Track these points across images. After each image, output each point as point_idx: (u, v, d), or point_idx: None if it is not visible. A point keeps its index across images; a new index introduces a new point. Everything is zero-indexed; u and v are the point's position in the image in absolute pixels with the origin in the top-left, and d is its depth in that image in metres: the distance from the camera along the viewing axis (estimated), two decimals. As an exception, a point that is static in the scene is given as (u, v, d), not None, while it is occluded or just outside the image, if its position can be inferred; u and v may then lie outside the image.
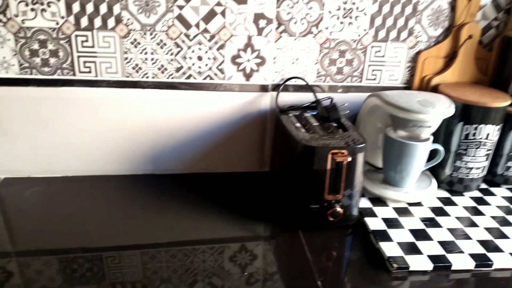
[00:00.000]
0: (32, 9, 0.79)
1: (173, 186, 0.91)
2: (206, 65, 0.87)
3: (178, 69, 0.87)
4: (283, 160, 0.85)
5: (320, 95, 0.90)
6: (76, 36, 0.82)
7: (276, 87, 0.91)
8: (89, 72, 0.85)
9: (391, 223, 0.78)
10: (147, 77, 0.86)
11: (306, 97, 0.92)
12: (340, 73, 0.93)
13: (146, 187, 0.90)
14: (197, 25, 0.84)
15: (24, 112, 0.85)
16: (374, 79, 0.94)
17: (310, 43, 0.89)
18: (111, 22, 0.82)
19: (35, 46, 0.81)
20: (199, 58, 0.87)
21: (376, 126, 0.90)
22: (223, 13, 0.84)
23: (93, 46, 0.83)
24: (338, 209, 0.74)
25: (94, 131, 0.89)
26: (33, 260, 0.68)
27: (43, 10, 0.79)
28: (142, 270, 0.67)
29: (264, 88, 0.91)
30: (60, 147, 0.89)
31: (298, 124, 0.82)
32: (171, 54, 0.85)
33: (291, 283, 0.66)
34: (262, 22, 0.85)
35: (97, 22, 0.81)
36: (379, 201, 0.85)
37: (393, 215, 0.81)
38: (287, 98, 0.92)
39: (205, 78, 0.88)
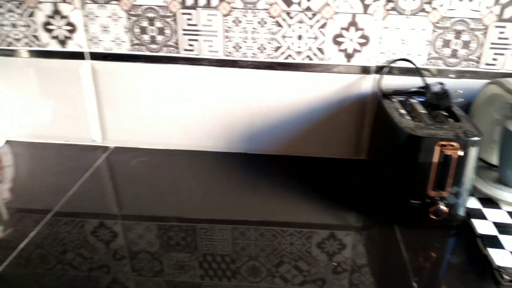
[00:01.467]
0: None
1: (266, 167, 0.91)
2: (306, 44, 0.84)
3: (277, 49, 0.85)
4: (383, 149, 0.80)
5: (429, 80, 0.82)
6: (182, 14, 0.84)
7: (379, 69, 0.85)
8: (192, 50, 0.87)
9: (504, 228, 0.69)
10: (246, 57, 0.86)
11: (412, 82, 0.84)
12: (454, 56, 0.83)
13: (240, 166, 0.92)
14: (299, 3, 0.81)
15: (134, 86, 0.91)
16: (495, 65, 0.83)
17: (421, 22, 0.81)
18: (214, 1, 0.82)
19: (144, 23, 0.86)
20: (299, 37, 0.84)
21: (493, 118, 0.79)
22: (327, -10, 0.80)
23: (196, 24, 0.85)
24: (442, 207, 0.68)
25: (195, 107, 0.92)
26: (136, 225, 0.73)
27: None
28: (231, 245, 0.69)
29: (365, 70, 0.85)
30: (164, 121, 0.94)
31: (402, 111, 0.75)
32: (271, 33, 0.84)
33: (381, 278, 0.62)
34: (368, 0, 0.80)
35: (202, 0, 0.83)
36: (490, 202, 0.75)
37: (507, 219, 0.71)
38: (391, 81, 0.85)
39: (304, 59, 0.85)
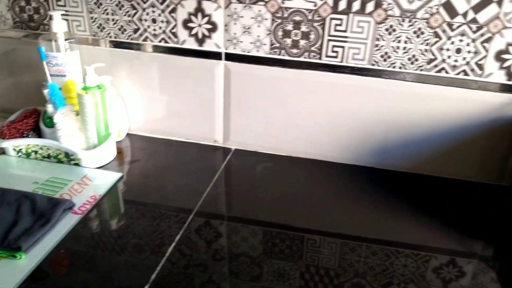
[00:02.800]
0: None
1: (392, 184, 0.86)
2: (464, 58, 0.78)
3: (430, 61, 0.79)
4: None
5: None
6: (331, 19, 0.80)
7: (544, 92, 0.77)
8: (335, 57, 0.83)
9: None
10: (394, 67, 0.81)
11: None
12: None
13: (365, 180, 0.87)
14: (465, 14, 0.75)
15: (264, 90, 0.88)
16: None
17: None
18: (370, 6, 0.78)
19: (289, 27, 0.82)
20: (458, 51, 0.77)
21: None
22: (499, 3, 0.73)
23: (345, 31, 0.80)
24: None
25: (326, 116, 0.88)
26: (242, 227, 0.72)
27: (304, -9, 0.79)
28: (338, 259, 0.66)
29: (527, 91, 0.78)
30: (290, 127, 0.91)
31: None
32: (427, 44, 0.78)
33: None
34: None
35: (356, 5, 0.78)
36: None
37: None
38: (557, 105, 0.77)
39: (458, 73, 0.79)
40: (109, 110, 0.85)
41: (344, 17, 0.79)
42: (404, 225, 0.75)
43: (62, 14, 0.86)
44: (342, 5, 0.78)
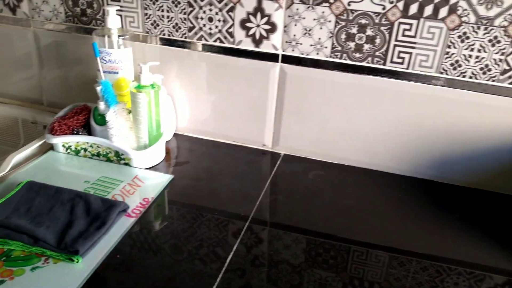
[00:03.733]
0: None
1: (451, 198, 0.82)
2: (543, 71, 0.73)
3: (504, 72, 0.75)
4: None
5: None
6: (400, 23, 0.76)
7: None
8: (401, 63, 0.78)
9: None
10: (464, 76, 0.76)
11: None
12: None
13: (422, 193, 0.83)
14: (548, 23, 0.70)
15: (322, 94, 0.85)
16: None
17: None
18: (443, 12, 0.73)
19: (354, 30, 0.78)
20: (536, 62, 0.73)
21: None
22: None
23: (414, 36, 0.76)
24: None
25: (386, 124, 0.83)
26: (284, 234, 0.69)
27: (373, -7, 0.75)
28: (385, 273, 0.63)
29: None
30: (345, 135, 0.87)
31: None
32: (502, 54, 0.73)
33: None
34: None
35: (428, 10, 0.74)
36: None
37: None
38: None
39: (534, 86, 0.74)
40: (161, 110, 0.83)
41: (414, 22, 0.75)
42: (459, 242, 0.71)
43: (116, 10, 0.84)
44: (413, 9, 0.74)
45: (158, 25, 0.89)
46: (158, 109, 0.82)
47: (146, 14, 0.88)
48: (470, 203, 0.81)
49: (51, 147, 0.87)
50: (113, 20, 0.84)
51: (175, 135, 0.97)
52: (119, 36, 0.84)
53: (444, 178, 0.85)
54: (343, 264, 0.64)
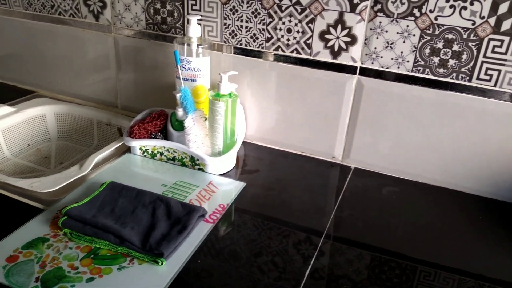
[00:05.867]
0: (451, 6, 0.73)
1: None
2: None
3: None
4: None
5: None
6: (490, 39, 0.73)
7: None
8: (489, 80, 0.75)
9: None
10: (558, 96, 0.73)
11: None
12: None
13: (499, 215, 0.79)
14: None
15: (399, 108, 0.83)
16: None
17: None
18: (539, 28, 0.70)
19: (439, 45, 0.76)
20: None
21: None
22: None
23: (505, 53, 0.73)
24: None
25: (466, 143, 0.80)
26: (348, 249, 0.68)
27: (463, 7, 0.72)
28: None
29: None
30: (422, 151, 0.84)
31: None
32: None
33: None
34: None
35: (522, 26, 0.71)
36: None
37: None
38: None
39: None
40: (237, 119, 0.84)
41: (505, 38, 0.72)
42: None
43: (198, 19, 0.86)
44: (505, 26, 0.71)
45: (236, 34, 0.90)
46: (234, 118, 0.83)
47: (225, 24, 0.90)
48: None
49: (128, 149, 0.90)
50: (194, 29, 0.86)
51: (243, 143, 0.98)
52: (198, 45, 0.87)
53: (527, 202, 0.81)
54: (408, 283, 0.62)
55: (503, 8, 0.70)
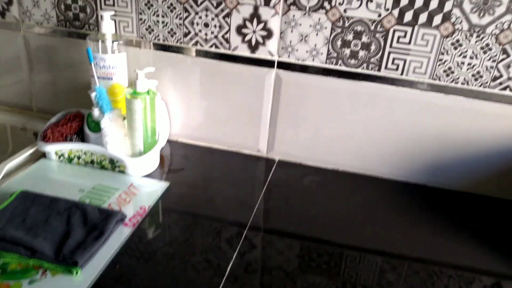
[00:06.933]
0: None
1: (443, 202, 0.83)
2: (533, 78, 0.75)
3: (495, 78, 0.76)
4: None
5: None
6: (395, 30, 0.77)
7: None
8: (396, 69, 0.80)
9: None
10: (456, 83, 0.78)
11: None
12: None
13: (413, 197, 0.84)
14: (538, 31, 0.72)
15: (316, 100, 0.85)
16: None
17: None
18: (437, 19, 0.74)
19: (349, 37, 0.79)
20: (527, 69, 0.75)
21: None
22: None
23: (409, 43, 0.77)
24: None
25: (379, 130, 0.85)
26: (278, 240, 0.70)
27: (369, 0, 0.76)
28: (377, 277, 0.63)
29: None
30: (340, 140, 0.87)
31: None
32: (493, 61, 0.75)
33: None
34: None
35: (422, 17, 0.75)
36: None
37: None
38: None
39: (525, 92, 0.76)
40: (157, 117, 0.82)
41: (408, 29, 0.76)
42: (451, 245, 0.72)
43: (111, 15, 0.83)
44: (408, 17, 0.75)
45: (153, 30, 0.88)
46: (154, 116, 0.81)
47: (141, 19, 0.87)
48: (461, 207, 0.82)
49: (43, 155, 0.85)
50: (107, 25, 0.83)
51: (169, 141, 0.97)
52: (113, 41, 0.84)
53: (436, 183, 0.86)
54: (336, 269, 0.64)
55: (404, 0, 0.74)
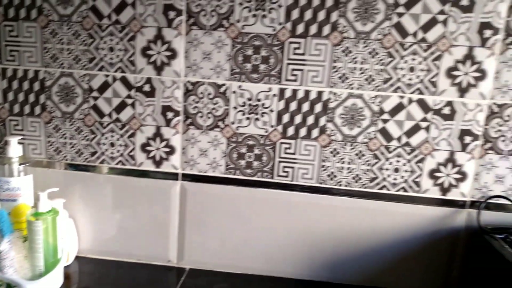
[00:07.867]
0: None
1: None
2: (402, 177, 0.86)
3: (372, 180, 0.87)
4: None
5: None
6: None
7: (474, 205, 0.85)
8: (286, 176, 0.88)
9: None
10: (340, 185, 0.87)
11: (506, 218, 0.85)
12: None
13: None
14: (399, 139, 0.85)
15: (220, 208, 0.91)
16: None
17: (516, 162, 0.84)
18: (314, 132, 0.86)
19: (243, 149, 0.88)
20: (396, 170, 0.86)
21: None
22: (427, 129, 0.83)
23: (294, 153, 0.87)
24: None
25: (281, 232, 0.90)
26: None
27: (256, 119, 0.86)
28: None
29: (460, 205, 0.86)
30: (246, 245, 0.92)
31: (510, 249, 0.74)
32: (368, 165, 0.86)
33: None
34: (467, 139, 0.83)
35: (302, 131, 0.86)
36: None
37: None
38: (487, 217, 0.85)
39: (398, 190, 0.87)
40: (59, 235, 0.83)
41: (292, 141, 0.87)
42: None
43: (18, 140, 0.87)
44: (290, 131, 0.86)
45: (61, 151, 0.92)
46: (56, 234, 0.82)
47: (49, 142, 0.92)
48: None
49: None
50: (14, 150, 0.86)
51: (78, 258, 0.95)
52: (20, 164, 0.86)
53: (338, 279, 0.91)
54: None
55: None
